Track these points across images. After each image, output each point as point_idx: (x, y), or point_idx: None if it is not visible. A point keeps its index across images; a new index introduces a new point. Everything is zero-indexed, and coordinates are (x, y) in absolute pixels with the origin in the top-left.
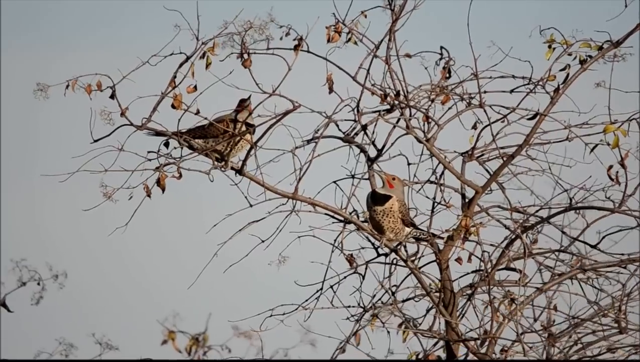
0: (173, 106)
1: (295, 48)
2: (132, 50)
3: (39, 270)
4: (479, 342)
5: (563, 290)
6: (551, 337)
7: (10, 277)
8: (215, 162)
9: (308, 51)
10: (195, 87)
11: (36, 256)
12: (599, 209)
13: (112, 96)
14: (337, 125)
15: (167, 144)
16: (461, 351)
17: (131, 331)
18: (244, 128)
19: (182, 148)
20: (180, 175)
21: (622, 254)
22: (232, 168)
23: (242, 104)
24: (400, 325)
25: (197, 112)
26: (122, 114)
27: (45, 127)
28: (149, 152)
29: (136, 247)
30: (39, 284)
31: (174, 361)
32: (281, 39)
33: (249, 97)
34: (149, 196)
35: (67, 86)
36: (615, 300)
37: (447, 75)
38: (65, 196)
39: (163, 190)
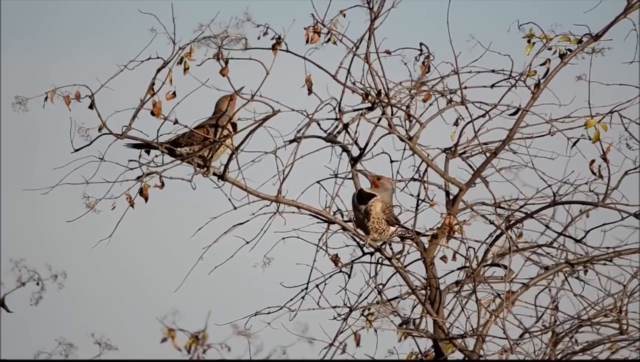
0: (152, 113)
1: (274, 47)
2: (111, 56)
3: (38, 270)
4: (466, 339)
5: (555, 286)
6: (554, 337)
7: (10, 278)
8: (197, 168)
9: (287, 50)
10: (174, 93)
11: (35, 256)
12: (583, 203)
13: (91, 106)
14: (319, 125)
15: (147, 151)
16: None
17: (130, 331)
18: (228, 129)
19: (163, 156)
20: (163, 185)
21: (608, 248)
22: (214, 173)
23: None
24: (400, 325)
25: (176, 122)
26: (100, 129)
27: (41, 130)
28: (130, 160)
29: (134, 248)
30: (38, 284)
31: (173, 361)
32: (259, 38)
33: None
34: (132, 206)
35: (46, 98)
36: (617, 299)
37: (427, 70)
38: (63, 197)
39: (146, 199)
